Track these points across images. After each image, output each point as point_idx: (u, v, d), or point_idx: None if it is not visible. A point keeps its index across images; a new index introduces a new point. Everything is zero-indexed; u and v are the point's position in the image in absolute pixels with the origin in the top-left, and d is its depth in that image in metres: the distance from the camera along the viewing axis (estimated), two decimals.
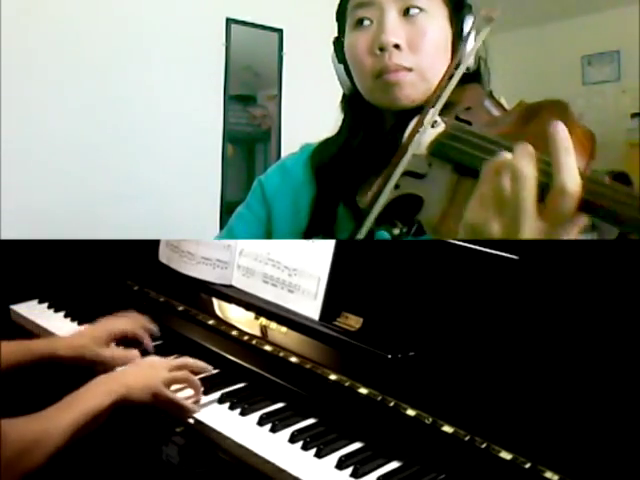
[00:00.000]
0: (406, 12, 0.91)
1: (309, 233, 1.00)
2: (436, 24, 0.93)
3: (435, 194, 0.82)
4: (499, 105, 0.91)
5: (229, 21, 3.13)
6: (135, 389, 0.93)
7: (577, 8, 4.23)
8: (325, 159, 1.03)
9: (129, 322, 1.14)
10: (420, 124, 0.84)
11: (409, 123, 0.89)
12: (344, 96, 1.06)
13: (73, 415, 0.87)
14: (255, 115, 3.38)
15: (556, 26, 4.48)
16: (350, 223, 0.94)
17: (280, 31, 3.29)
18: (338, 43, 1.01)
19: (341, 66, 1.01)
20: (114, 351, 1.09)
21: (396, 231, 0.91)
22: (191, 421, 0.95)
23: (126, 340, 1.12)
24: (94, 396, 0.90)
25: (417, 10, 0.91)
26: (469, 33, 0.94)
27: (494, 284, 0.87)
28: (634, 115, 4.09)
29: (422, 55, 0.92)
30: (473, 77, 0.98)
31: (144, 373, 0.97)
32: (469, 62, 0.94)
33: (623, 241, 0.73)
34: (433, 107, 0.85)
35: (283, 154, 3.27)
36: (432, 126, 0.86)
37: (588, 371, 0.78)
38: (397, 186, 0.88)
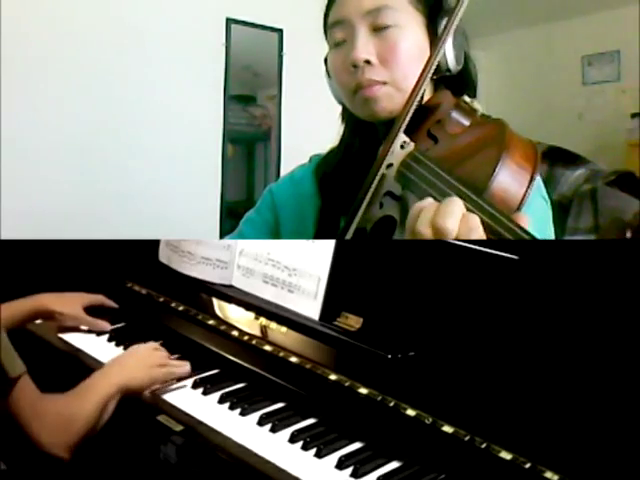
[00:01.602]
0: (376, 28, 0.93)
1: (317, 235, 1.02)
2: (409, 35, 0.94)
3: (404, 216, 0.84)
4: (470, 112, 0.91)
5: (229, 21, 3.12)
6: (135, 377, 1.00)
7: (577, 8, 4.23)
8: (328, 170, 1.06)
9: (92, 296, 1.27)
10: (389, 144, 0.86)
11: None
12: (344, 109, 1.08)
13: (93, 401, 0.94)
14: (255, 115, 3.38)
15: (556, 26, 4.48)
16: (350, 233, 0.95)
17: (280, 31, 3.29)
18: (327, 60, 1.04)
19: (332, 81, 1.03)
20: (89, 319, 1.22)
21: None
22: (191, 421, 0.95)
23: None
24: (106, 385, 0.97)
25: (387, 25, 0.93)
26: (445, 35, 0.93)
27: (494, 284, 0.87)
28: (634, 115, 4.08)
29: (395, 68, 0.93)
30: (458, 81, 0.99)
31: (139, 361, 1.03)
32: (449, 64, 0.95)
33: (623, 241, 0.73)
34: (399, 129, 0.87)
35: (283, 154, 3.27)
36: (401, 147, 0.87)
37: (588, 371, 0.78)
38: (381, 205, 0.90)
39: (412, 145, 0.87)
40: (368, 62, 0.93)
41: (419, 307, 0.93)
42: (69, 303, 1.21)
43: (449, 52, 0.95)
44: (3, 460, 1.13)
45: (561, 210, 1.11)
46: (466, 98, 0.95)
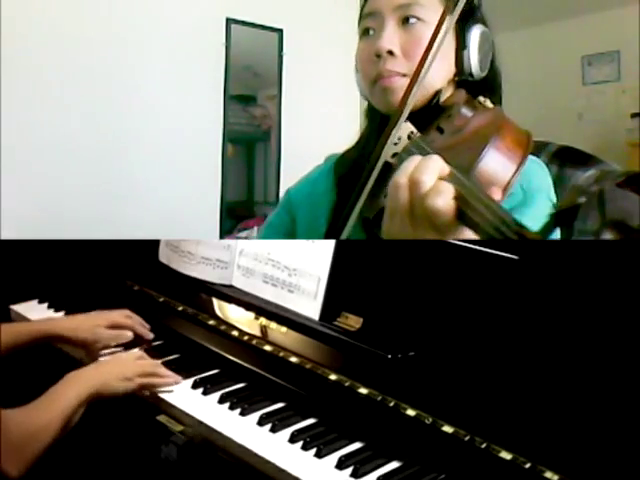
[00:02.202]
0: (405, 21, 0.95)
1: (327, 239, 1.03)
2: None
3: None
4: (478, 107, 0.92)
5: (229, 21, 3.12)
6: (108, 384, 0.97)
7: (577, 8, 4.23)
8: (346, 168, 1.06)
9: (123, 314, 1.17)
10: (389, 131, 0.87)
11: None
12: (368, 105, 1.09)
13: (60, 408, 0.90)
14: (255, 115, 3.38)
15: (556, 26, 4.48)
16: (361, 233, 0.95)
17: (280, 31, 3.29)
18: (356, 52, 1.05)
19: (358, 75, 1.04)
20: (109, 331, 1.13)
21: None
22: (191, 421, 0.95)
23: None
24: (75, 390, 0.93)
25: (415, 20, 0.95)
26: (472, 42, 0.96)
27: (494, 284, 0.87)
28: (634, 115, 4.08)
29: (416, 61, 0.93)
30: (482, 87, 0.99)
31: (116, 369, 1.00)
32: (472, 68, 0.97)
33: (623, 241, 0.73)
34: (395, 126, 0.88)
35: (283, 154, 3.28)
36: (408, 137, 0.88)
37: (588, 371, 0.78)
38: (386, 195, 0.91)
39: (419, 135, 0.88)
40: (391, 53, 0.94)
41: (419, 307, 0.93)
42: (83, 327, 1.12)
43: (473, 55, 0.96)
44: None
45: (569, 212, 1.11)
46: (480, 98, 0.95)
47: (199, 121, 3.04)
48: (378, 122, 1.03)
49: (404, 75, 0.94)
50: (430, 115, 0.92)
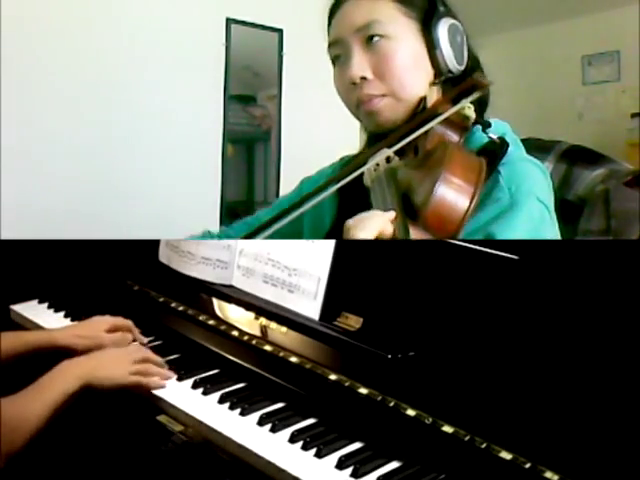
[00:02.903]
0: (368, 41, 0.95)
1: (330, 235, 1.05)
2: (402, 45, 0.95)
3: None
4: (457, 123, 0.92)
5: (229, 21, 3.12)
6: (99, 377, 0.96)
7: (577, 8, 4.23)
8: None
9: (118, 319, 1.17)
10: (363, 164, 0.91)
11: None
12: None
13: (47, 399, 0.89)
14: (255, 115, 3.38)
15: (556, 26, 4.48)
16: None
17: (280, 31, 3.29)
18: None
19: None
20: (110, 335, 1.12)
21: None
22: (191, 421, 0.95)
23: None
24: (63, 381, 0.93)
25: (378, 37, 0.94)
26: (441, 39, 0.96)
27: (494, 284, 0.87)
28: (634, 115, 4.08)
29: (391, 80, 0.95)
30: (463, 77, 0.98)
31: (109, 363, 0.99)
32: (449, 65, 0.96)
33: (624, 242, 0.73)
34: (389, 146, 0.90)
35: (283, 154, 3.27)
36: (386, 161, 0.91)
37: (588, 371, 0.78)
38: None
39: (397, 159, 0.91)
40: (364, 78, 0.95)
41: (419, 307, 0.93)
42: (84, 334, 1.11)
43: (447, 53, 0.96)
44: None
45: (575, 211, 1.11)
46: (464, 103, 0.94)
47: (199, 121, 3.04)
48: (371, 136, 1.04)
49: (384, 95, 0.95)
50: (420, 122, 0.92)
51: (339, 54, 0.98)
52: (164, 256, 1.28)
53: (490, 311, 0.87)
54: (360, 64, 0.95)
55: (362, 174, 0.93)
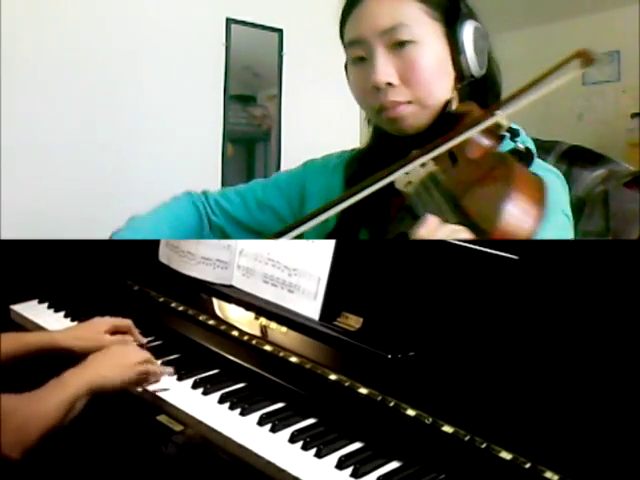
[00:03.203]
0: (394, 45, 0.90)
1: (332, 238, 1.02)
2: (428, 50, 0.91)
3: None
4: (491, 134, 0.87)
5: (229, 21, 3.12)
6: (107, 380, 0.97)
7: (577, 8, 4.23)
8: (353, 172, 1.04)
9: (118, 319, 1.17)
10: (397, 168, 0.84)
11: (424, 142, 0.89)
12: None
13: (58, 400, 0.91)
14: (255, 115, 3.38)
15: (556, 26, 4.48)
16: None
17: (280, 31, 3.28)
18: (347, 70, 1.01)
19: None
20: (110, 337, 1.12)
21: None
22: (191, 421, 0.95)
23: None
24: (74, 385, 0.94)
25: (405, 42, 0.89)
26: (466, 43, 0.92)
27: (494, 284, 0.87)
28: (634, 115, 4.08)
29: (417, 86, 0.91)
30: (484, 83, 0.97)
31: (115, 365, 1.00)
32: (472, 69, 0.93)
33: (624, 242, 0.73)
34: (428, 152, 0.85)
35: (283, 154, 3.27)
36: (421, 166, 0.87)
37: (588, 371, 0.78)
38: (401, 219, 0.90)
39: (432, 164, 0.86)
40: (390, 84, 0.90)
41: (419, 307, 0.93)
42: (85, 336, 1.11)
43: (471, 57, 0.93)
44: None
45: (574, 212, 1.10)
46: (496, 113, 0.89)
47: (199, 121, 3.04)
48: (382, 134, 1.00)
49: (409, 102, 0.91)
50: (441, 128, 0.89)
51: (361, 55, 0.93)
52: (164, 256, 1.28)
53: (490, 311, 0.87)
54: (385, 69, 0.90)
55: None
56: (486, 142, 0.85)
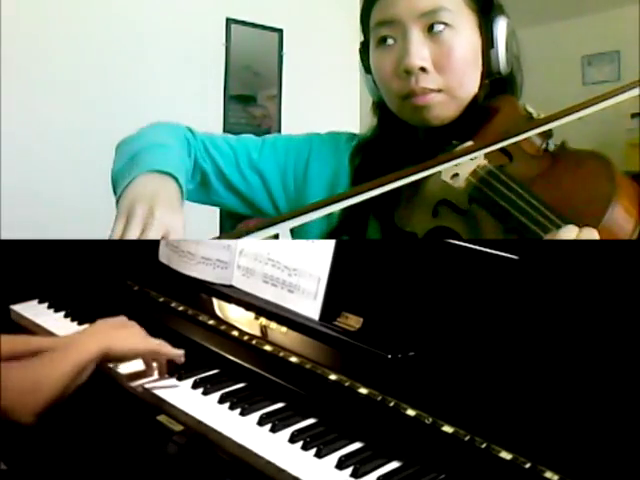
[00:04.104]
0: (430, 29, 0.87)
1: (339, 229, 1.01)
2: (464, 38, 0.89)
3: (475, 235, 0.82)
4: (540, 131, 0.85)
5: (229, 21, 3.12)
6: (118, 345, 0.98)
7: (577, 8, 4.23)
8: (362, 161, 1.02)
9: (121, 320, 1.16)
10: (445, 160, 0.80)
11: (443, 137, 0.88)
12: (374, 102, 1.03)
13: (66, 365, 0.92)
14: (255, 115, 3.38)
15: (556, 26, 4.48)
16: (378, 235, 0.94)
17: (280, 31, 3.29)
18: (364, 52, 0.98)
19: (369, 77, 0.98)
20: None
21: None
22: (191, 421, 0.95)
23: None
24: (84, 348, 0.95)
25: (442, 26, 0.87)
26: (499, 38, 0.91)
27: (494, 284, 0.87)
28: (634, 115, 4.08)
29: (450, 75, 0.88)
30: (506, 82, 0.95)
31: (127, 334, 1.02)
32: (501, 67, 0.92)
33: (624, 242, 0.73)
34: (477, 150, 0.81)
35: None
36: (472, 158, 0.83)
37: (588, 371, 0.78)
38: (436, 213, 0.87)
39: (481, 157, 0.83)
40: (423, 69, 0.87)
41: (419, 307, 0.92)
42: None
43: (502, 53, 0.91)
44: (3, 460, 1.13)
45: None
46: (528, 107, 0.89)
47: (199, 121, 3.03)
48: (392, 124, 0.98)
49: (440, 91, 0.89)
50: (475, 121, 0.88)
51: (391, 36, 0.89)
52: (164, 256, 1.28)
53: (490, 311, 0.87)
54: (420, 53, 0.86)
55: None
56: (538, 141, 0.85)
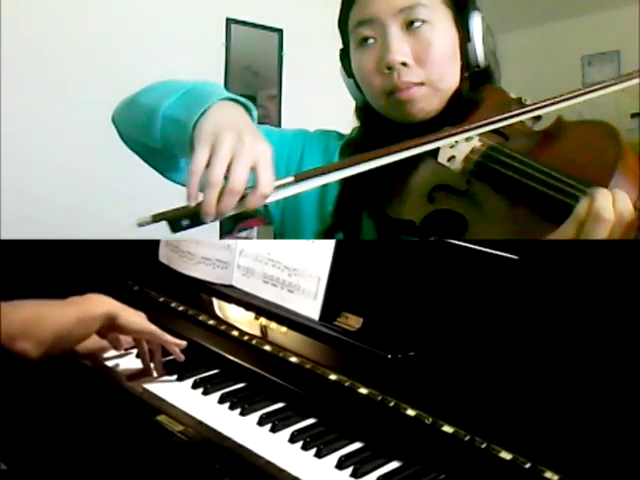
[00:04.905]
0: (409, 25, 0.90)
1: (332, 229, 1.01)
2: (441, 32, 0.92)
3: (478, 213, 0.82)
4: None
5: (229, 21, 3.12)
6: (125, 315, 1.02)
7: (577, 8, 4.23)
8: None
9: None
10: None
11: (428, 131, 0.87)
12: (357, 106, 1.05)
13: (72, 311, 0.96)
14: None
15: (556, 26, 4.47)
16: (374, 233, 0.94)
17: (280, 31, 3.29)
18: (344, 57, 1.00)
19: (351, 80, 1.00)
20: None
21: None
22: (191, 421, 0.95)
23: None
24: (94, 303, 1.00)
25: (420, 22, 0.90)
26: (475, 32, 0.94)
27: (494, 284, 0.87)
28: (634, 115, 4.08)
29: (431, 68, 0.91)
30: (486, 75, 0.98)
31: (138, 313, 1.06)
32: (479, 60, 0.95)
33: (624, 242, 0.73)
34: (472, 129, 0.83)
35: None
36: (466, 139, 0.85)
37: (588, 371, 0.78)
38: (432, 199, 0.87)
39: (477, 139, 0.85)
40: (404, 64, 0.90)
41: (419, 307, 0.92)
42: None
43: (478, 46, 0.94)
44: (3, 460, 1.13)
45: None
46: (512, 95, 0.92)
47: None
48: (375, 124, 0.99)
49: (422, 84, 0.91)
50: (461, 112, 0.90)
51: (371, 35, 0.92)
52: (164, 256, 1.28)
53: (490, 311, 0.87)
54: (401, 49, 0.89)
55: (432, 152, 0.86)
56: (530, 122, 0.88)
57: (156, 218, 0.74)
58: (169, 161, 1.02)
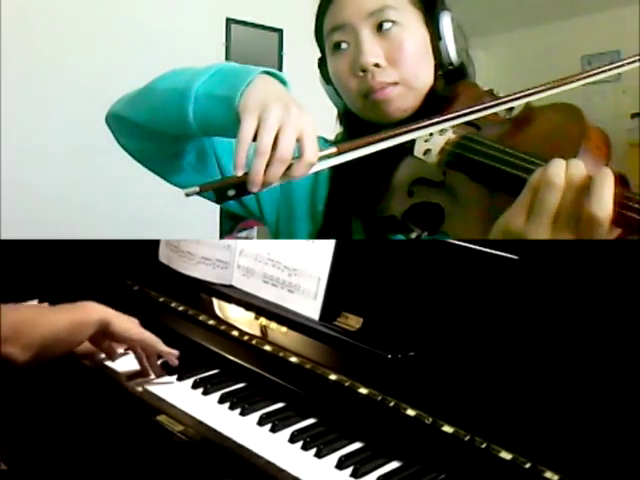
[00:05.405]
0: (379, 28, 0.93)
1: (324, 229, 1.03)
2: (411, 32, 0.94)
3: (455, 202, 0.83)
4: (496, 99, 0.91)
5: (229, 21, 3.13)
6: (117, 323, 1.01)
7: (577, 8, 4.23)
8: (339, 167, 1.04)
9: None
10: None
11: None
12: (339, 112, 1.08)
13: (65, 317, 0.96)
14: None
15: (556, 26, 4.48)
16: (362, 234, 0.95)
17: (280, 31, 3.29)
18: (323, 65, 1.04)
19: (330, 87, 1.04)
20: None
21: (413, 235, 0.92)
22: (191, 421, 0.95)
23: None
24: (87, 310, 0.99)
25: (390, 24, 0.92)
26: (446, 31, 0.96)
27: (494, 284, 0.87)
28: (634, 115, 4.09)
29: (404, 67, 0.93)
30: (460, 73, 1.00)
31: (126, 319, 1.04)
32: (452, 58, 0.97)
33: (624, 242, 0.73)
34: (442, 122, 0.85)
35: None
36: (440, 133, 0.87)
37: (588, 371, 0.78)
38: (411, 193, 0.88)
39: (450, 131, 0.87)
40: (377, 65, 0.92)
41: (419, 307, 0.92)
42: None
43: (450, 44, 0.96)
44: (3, 460, 1.13)
45: None
46: (484, 88, 0.95)
47: None
48: (358, 129, 1.00)
49: (396, 83, 0.93)
50: (435, 109, 0.90)
51: (344, 40, 0.95)
52: (164, 256, 1.28)
53: (490, 311, 0.87)
54: (373, 51, 0.92)
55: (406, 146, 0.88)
56: (502, 112, 0.89)
57: (203, 188, 0.75)
58: (172, 162, 1.02)
